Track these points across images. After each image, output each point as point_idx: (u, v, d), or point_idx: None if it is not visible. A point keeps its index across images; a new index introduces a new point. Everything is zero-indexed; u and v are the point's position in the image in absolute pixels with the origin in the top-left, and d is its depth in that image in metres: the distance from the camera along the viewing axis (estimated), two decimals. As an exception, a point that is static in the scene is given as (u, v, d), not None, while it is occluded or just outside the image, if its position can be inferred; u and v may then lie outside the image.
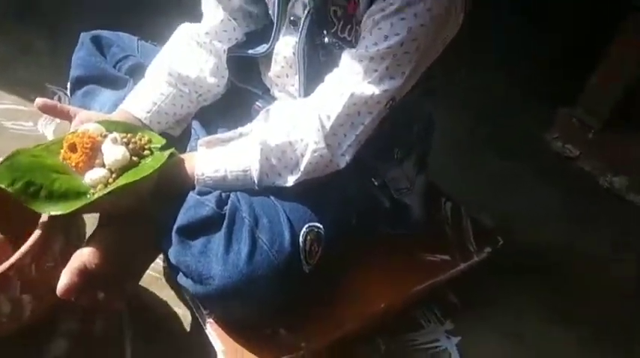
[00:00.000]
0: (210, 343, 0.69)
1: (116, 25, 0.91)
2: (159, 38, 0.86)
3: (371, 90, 0.62)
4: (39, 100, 0.69)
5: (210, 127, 0.79)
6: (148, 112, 0.74)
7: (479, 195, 1.12)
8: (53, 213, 0.59)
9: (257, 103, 0.80)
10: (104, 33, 0.87)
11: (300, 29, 0.69)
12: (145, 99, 0.75)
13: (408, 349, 0.86)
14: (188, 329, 0.81)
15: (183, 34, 0.79)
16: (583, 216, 1.20)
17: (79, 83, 0.83)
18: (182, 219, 0.62)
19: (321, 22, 0.67)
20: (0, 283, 0.56)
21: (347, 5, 0.65)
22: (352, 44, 0.66)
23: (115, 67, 0.84)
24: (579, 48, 1.42)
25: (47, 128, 1.07)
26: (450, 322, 0.90)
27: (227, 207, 0.62)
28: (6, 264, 0.57)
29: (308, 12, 0.67)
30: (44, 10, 1.50)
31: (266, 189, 0.66)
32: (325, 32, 0.68)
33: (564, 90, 1.37)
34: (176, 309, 0.83)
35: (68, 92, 0.88)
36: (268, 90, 0.80)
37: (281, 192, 0.66)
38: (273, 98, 0.79)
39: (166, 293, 0.85)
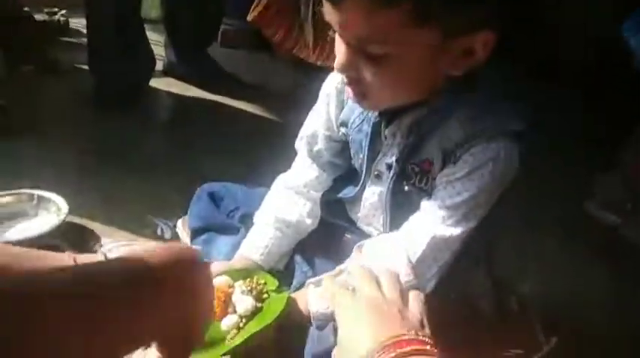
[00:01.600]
0: None
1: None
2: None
3: (450, 231, 0.79)
4: None
5: (309, 258, 0.97)
6: (262, 255, 0.93)
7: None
8: None
9: (346, 235, 0.98)
10: (215, 186, 1.08)
11: (385, 181, 0.87)
12: (257, 244, 0.94)
13: None
14: None
15: (282, 185, 0.98)
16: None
17: (198, 232, 1.03)
18: (310, 354, 0.78)
19: (402, 176, 0.85)
20: None
21: (422, 165, 0.83)
22: (428, 192, 0.84)
23: (227, 216, 1.04)
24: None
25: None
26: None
27: None
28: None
29: (394, 171, 0.85)
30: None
31: None
32: (405, 183, 0.86)
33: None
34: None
35: (187, 238, 1.07)
36: (355, 223, 0.98)
37: None
38: (360, 230, 0.97)
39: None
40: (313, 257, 0.97)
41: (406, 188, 0.86)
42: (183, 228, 1.16)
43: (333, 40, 1.93)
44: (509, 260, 1.17)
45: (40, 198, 1.31)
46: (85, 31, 2.59)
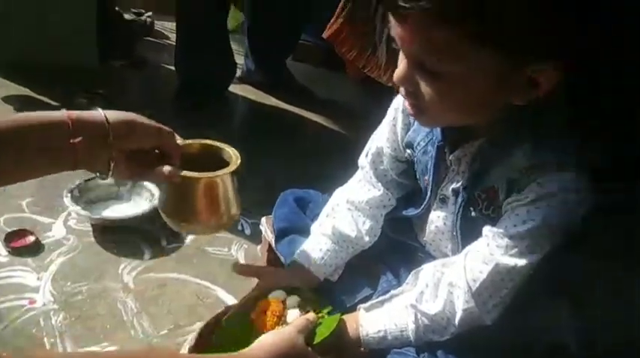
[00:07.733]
0: None
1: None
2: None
3: (513, 262, 0.76)
4: (238, 268, 0.99)
5: (395, 269, 0.98)
6: (318, 265, 0.96)
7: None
8: None
9: (419, 254, 0.98)
10: (298, 192, 1.14)
11: (450, 206, 0.87)
12: (314, 253, 0.97)
13: None
14: None
15: (343, 199, 1.01)
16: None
17: (284, 233, 1.10)
18: None
19: (468, 203, 0.85)
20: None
21: (488, 192, 0.83)
22: (495, 219, 0.82)
23: (312, 219, 1.10)
24: None
25: (239, 253, 1.38)
26: None
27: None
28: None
29: (462, 198, 0.85)
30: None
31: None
32: (472, 209, 0.85)
33: None
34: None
35: (271, 236, 1.15)
36: (424, 246, 0.98)
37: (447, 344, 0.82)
38: (429, 253, 0.97)
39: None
40: (399, 268, 0.98)
41: (473, 214, 0.85)
42: (267, 227, 1.23)
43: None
44: (604, 300, 1.12)
45: (135, 184, 1.43)
46: (167, 32, 2.81)
